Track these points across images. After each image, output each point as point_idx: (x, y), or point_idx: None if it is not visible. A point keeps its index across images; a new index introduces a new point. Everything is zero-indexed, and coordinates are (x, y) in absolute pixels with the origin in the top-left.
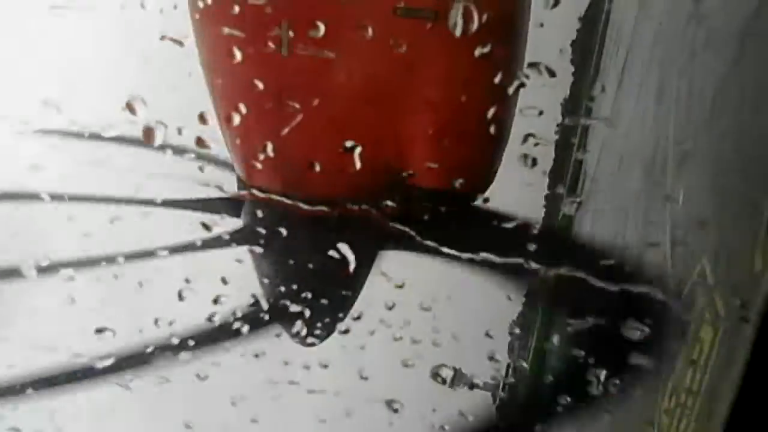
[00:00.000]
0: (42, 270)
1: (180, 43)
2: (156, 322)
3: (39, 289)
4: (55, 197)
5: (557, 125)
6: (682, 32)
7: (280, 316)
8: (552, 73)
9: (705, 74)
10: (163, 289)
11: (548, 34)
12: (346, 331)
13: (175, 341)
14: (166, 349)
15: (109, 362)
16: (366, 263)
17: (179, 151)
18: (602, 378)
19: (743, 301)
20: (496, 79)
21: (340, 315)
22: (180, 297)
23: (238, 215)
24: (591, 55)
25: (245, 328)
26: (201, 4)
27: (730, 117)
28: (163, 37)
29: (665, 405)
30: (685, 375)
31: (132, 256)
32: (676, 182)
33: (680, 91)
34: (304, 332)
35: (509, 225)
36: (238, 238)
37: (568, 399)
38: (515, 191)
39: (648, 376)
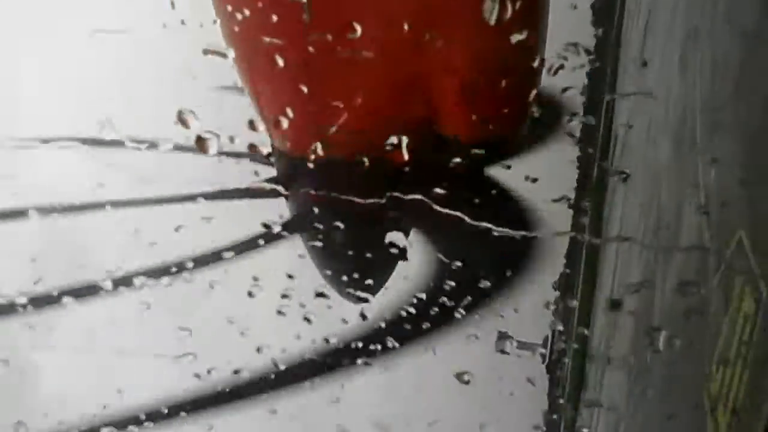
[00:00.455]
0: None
1: (223, 55)
2: (229, 320)
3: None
4: (119, 204)
5: (581, 92)
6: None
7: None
8: (589, 52)
9: (728, 43)
10: (233, 288)
11: (583, 16)
12: (412, 312)
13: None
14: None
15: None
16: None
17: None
18: (657, 339)
19: None
20: (533, 62)
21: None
22: (250, 295)
23: (293, 214)
24: (612, 20)
25: (313, 318)
26: (240, 17)
27: (757, 87)
28: (206, 51)
29: (713, 376)
30: (731, 347)
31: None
32: (707, 152)
33: (704, 60)
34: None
35: (558, 201)
36: (295, 234)
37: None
38: (562, 169)
39: (694, 346)
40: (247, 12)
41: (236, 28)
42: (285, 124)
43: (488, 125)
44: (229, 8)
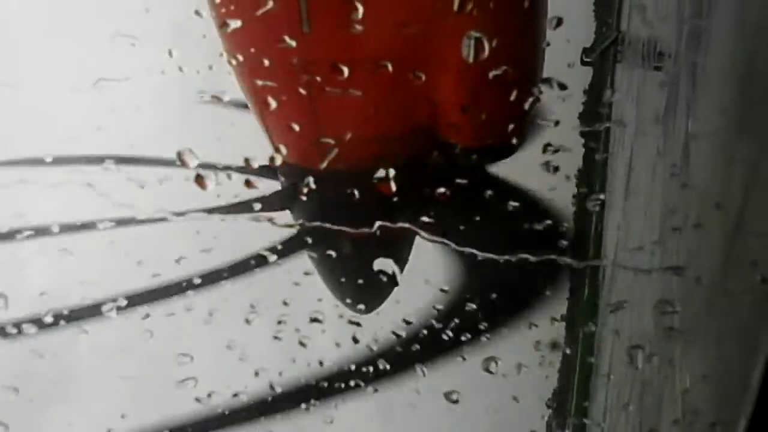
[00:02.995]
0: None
1: (219, 99)
2: (229, 346)
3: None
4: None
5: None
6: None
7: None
8: (563, 87)
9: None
10: (231, 315)
11: (555, 52)
12: (400, 336)
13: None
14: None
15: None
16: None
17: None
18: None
19: None
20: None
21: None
22: (247, 322)
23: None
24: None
25: (308, 342)
26: (234, 62)
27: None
28: (202, 95)
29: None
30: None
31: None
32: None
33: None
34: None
35: (539, 226)
36: (293, 264)
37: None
38: (542, 195)
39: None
40: (240, 57)
41: (232, 72)
42: (278, 160)
43: (476, 158)
44: (225, 55)
